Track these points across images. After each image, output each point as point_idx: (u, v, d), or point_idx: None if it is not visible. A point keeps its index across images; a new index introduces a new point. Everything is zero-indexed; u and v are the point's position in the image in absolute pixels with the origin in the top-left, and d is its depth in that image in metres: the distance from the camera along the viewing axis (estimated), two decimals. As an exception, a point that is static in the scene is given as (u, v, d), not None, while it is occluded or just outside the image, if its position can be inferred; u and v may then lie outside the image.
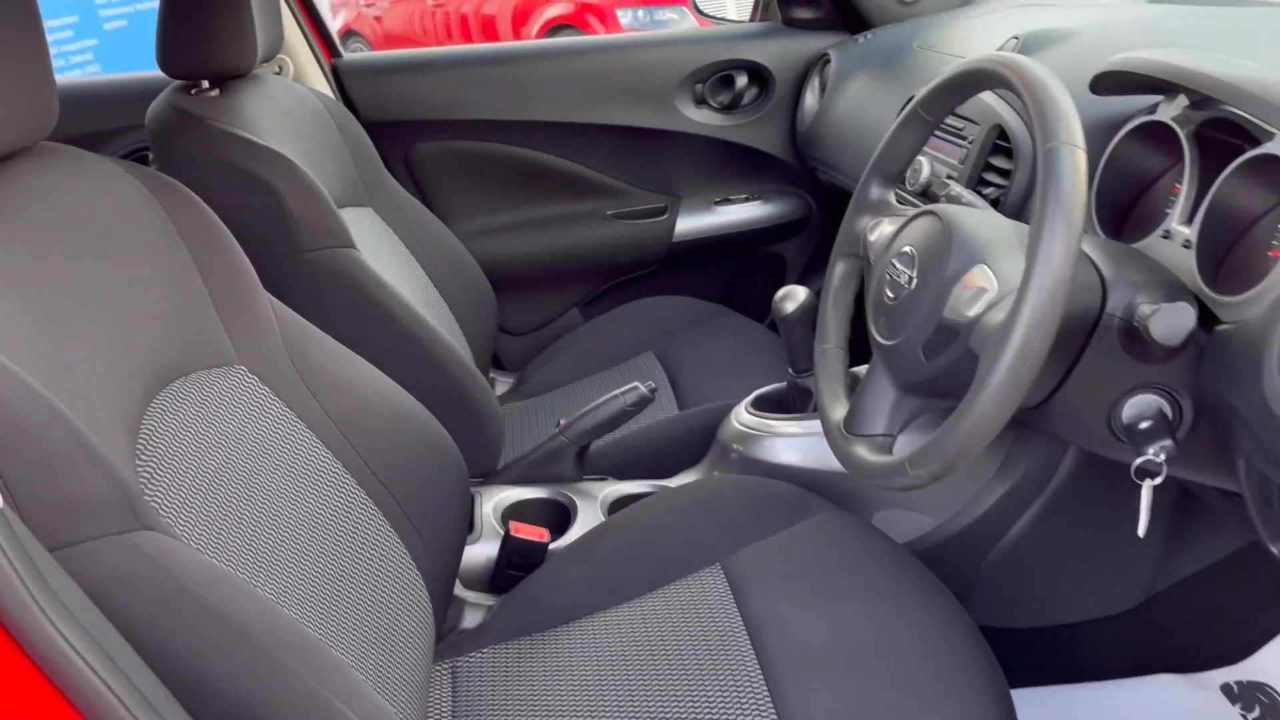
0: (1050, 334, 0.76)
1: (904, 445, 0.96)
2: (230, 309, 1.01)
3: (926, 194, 1.20)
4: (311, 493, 0.98)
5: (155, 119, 1.33)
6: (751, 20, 2.04)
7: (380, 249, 1.60)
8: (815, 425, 1.32)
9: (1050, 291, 0.75)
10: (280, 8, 1.55)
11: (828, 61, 1.86)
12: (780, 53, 1.91)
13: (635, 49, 1.93)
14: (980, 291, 0.84)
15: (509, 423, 1.73)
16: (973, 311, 0.83)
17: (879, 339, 0.96)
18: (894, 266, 0.95)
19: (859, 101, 1.73)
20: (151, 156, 1.33)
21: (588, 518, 1.34)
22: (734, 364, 1.70)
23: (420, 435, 1.15)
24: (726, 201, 2.01)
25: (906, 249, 0.94)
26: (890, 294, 0.95)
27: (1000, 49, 1.27)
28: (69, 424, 0.67)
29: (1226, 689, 1.37)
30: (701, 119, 1.94)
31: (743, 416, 1.38)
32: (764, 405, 1.40)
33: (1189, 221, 0.90)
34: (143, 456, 0.80)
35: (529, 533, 1.24)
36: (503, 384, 1.94)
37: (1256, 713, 1.33)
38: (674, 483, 1.41)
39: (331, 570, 0.94)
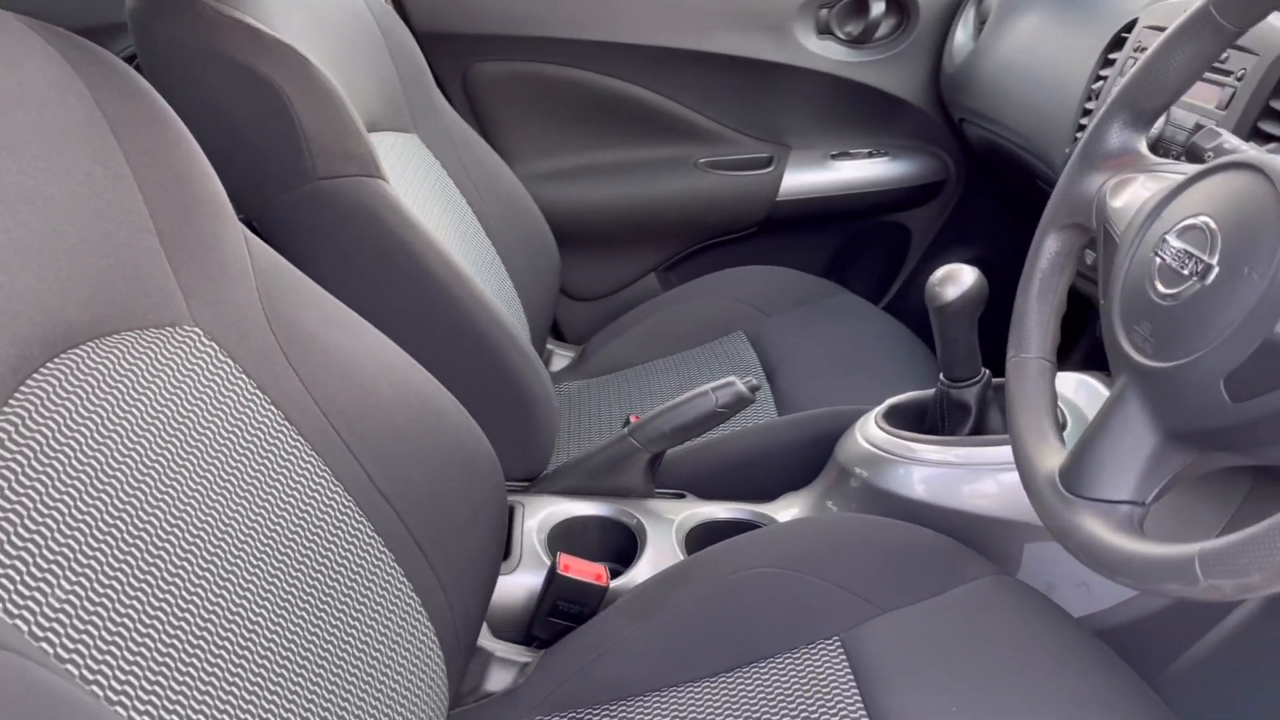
0: None
1: (1165, 525, 0.63)
2: (184, 246, 0.71)
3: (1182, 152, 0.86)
4: (282, 508, 0.69)
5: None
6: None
7: (421, 185, 1.29)
8: (973, 454, 0.99)
9: None
10: None
11: (990, -14, 1.50)
12: (927, -26, 1.56)
13: (750, -39, 1.59)
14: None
15: (564, 408, 1.42)
16: None
17: (1135, 356, 0.63)
18: (1170, 247, 0.62)
19: (1034, 37, 1.37)
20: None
21: (659, 550, 1.02)
22: (848, 358, 1.37)
23: (442, 433, 0.84)
24: (845, 155, 1.66)
25: (1198, 221, 0.60)
26: (1164, 289, 0.61)
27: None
28: None
29: None
30: (824, 52, 1.59)
31: (872, 433, 1.05)
32: (899, 419, 1.07)
33: None
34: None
35: (582, 571, 0.93)
36: (560, 358, 1.63)
37: None
38: (775, 510, 1.09)
39: (303, 617, 0.65)
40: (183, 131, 0.74)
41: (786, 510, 1.09)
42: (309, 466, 0.74)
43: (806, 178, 1.66)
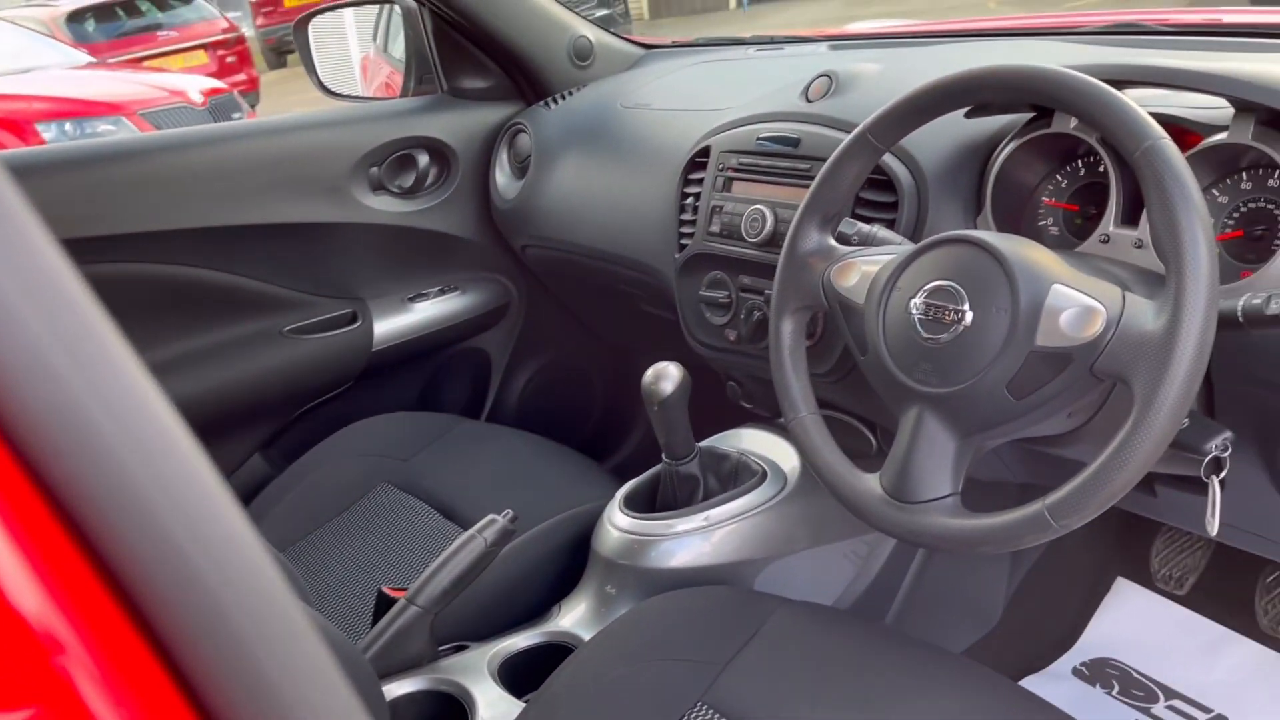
0: (1212, 332, 0.72)
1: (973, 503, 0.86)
2: None
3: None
4: None
5: None
6: (404, 95, 1.81)
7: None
8: (714, 514, 1.16)
9: (1209, 283, 0.71)
10: None
11: (519, 131, 1.70)
12: (457, 127, 1.71)
13: (296, 132, 1.61)
14: (1089, 311, 0.77)
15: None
16: (1090, 333, 0.76)
17: (924, 388, 0.85)
18: (926, 306, 0.85)
19: (580, 169, 1.60)
20: None
21: (490, 702, 1.04)
22: (507, 476, 1.46)
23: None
24: (421, 297, 1.75)
25: (942, 284, 0.85)
26: (930, 336, 0.85)
27: (809, 88, 1.23)
28: None
29: (1078, 673, 1.44)
30: (381, 206, 1.67)
31: (622, 522, 1.17)
32: (636, 504, 1.20)
33: (1130, 223, 0.92)
34: None
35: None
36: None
37: (1116, 688, 1.41)
38: (560, 620, 1.16)
39: None
40: None
41: (570, 615, 1.16)
42: None
43: (392, 324, 1.71)
